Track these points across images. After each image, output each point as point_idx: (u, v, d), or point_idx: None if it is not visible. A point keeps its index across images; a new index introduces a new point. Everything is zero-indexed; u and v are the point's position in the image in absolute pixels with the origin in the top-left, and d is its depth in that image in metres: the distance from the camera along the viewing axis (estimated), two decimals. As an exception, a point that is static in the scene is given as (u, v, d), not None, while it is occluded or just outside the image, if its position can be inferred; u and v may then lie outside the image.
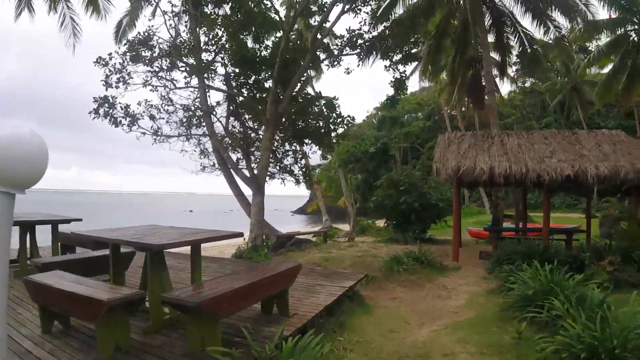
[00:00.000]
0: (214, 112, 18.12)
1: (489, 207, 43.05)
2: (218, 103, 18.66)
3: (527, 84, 55.77)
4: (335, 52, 17.53)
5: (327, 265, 10.96)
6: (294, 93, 18.35)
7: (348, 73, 17.92)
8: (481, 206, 43.74)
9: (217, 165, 18.35)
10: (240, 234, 6.06)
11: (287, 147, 19.16)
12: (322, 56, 18.76)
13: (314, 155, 22.10)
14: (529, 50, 22.36)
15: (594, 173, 10.62)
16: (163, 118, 17.98)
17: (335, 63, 18.35)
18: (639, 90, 23.16)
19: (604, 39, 24.75)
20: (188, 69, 16.81)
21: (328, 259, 11.69)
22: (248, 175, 17.08)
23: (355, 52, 17.13)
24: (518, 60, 24.83)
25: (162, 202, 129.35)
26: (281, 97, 16.81)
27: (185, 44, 16.78)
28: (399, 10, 19.46)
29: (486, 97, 19.86)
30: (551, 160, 11.35)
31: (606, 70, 46.80)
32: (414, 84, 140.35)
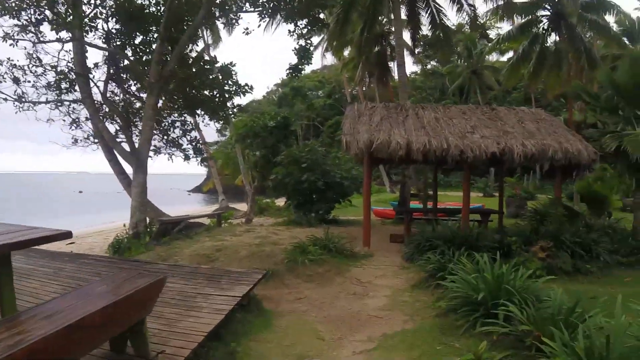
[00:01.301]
0: (91, 75, 15.21)
1: (388, 186, 43.25)
2: (96, 65, 15.68)
3: (429, 67, 56.77)
4: (234, 9, 15.28)
5: (217, 258, 9.11)
6: (185, 56, 15.96)
7: (247, 34, 15.81)
8: (381, 184, 43.76)
9: (93, 139, 15.52)
10: (68, 234, 3.99)
11: (175, 118, 16.68)
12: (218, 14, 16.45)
13: (209, 129, 19.75)
14: (439, 25, 21.56)
15: (521, 151, 9.73)
16: (29, 81, 14.79)
17: (233, 21, 16.17)
18: (545, 75, 23.43)
19: (506, 27, 25.06)
20: (60, 21, 13.70)
21: (220, 248, 9.81)
22: (128, 149, 14.54)
23: (256, 10, 15.03)
24: (427, 37, 24.31)
25: (50, 184, 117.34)
26: (168, 58, 14.38)
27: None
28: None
29: (395, 70, 18.71)
30: (473, 136, 10.32)
31: (506, 57, 49.04)
32: (316, 62, 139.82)
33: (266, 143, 23.19)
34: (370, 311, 6.45)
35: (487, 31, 52.12)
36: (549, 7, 23.39)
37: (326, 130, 56.39)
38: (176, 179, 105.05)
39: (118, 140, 15.08)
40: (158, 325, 4.37)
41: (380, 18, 27.52)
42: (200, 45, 31.43)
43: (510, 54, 46.47)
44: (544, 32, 23.88)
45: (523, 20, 24.30)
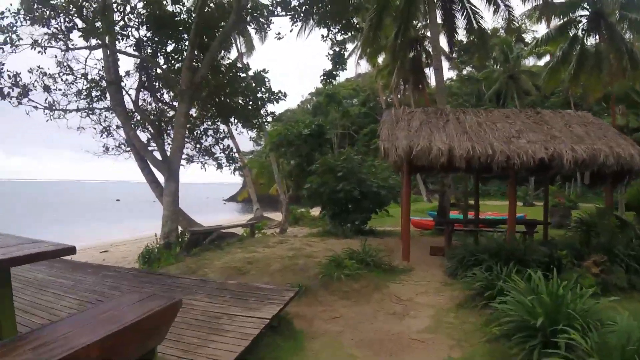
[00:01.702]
0: (123, 83, 15.12)
1: (425, 195, 42.19)
2: (128, 73, 15.64)
3: (465, 72, 55.65)
4: (265, 13, 14.93)
5: (248, 271, 8.64)
6: (217, 63, 15.72)
7: (279, 38, 15.46)
8: (417, 193, 42.75)
9: (126, 147, 15.42)
10: (71, 250, 3.53)
11: (208, 125, 16.40)
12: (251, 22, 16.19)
13: (244, 138, 19.41)
14: (476, 28, 20.71)
15: (571, 157, 8.93)
16: (60, 89, 14.83)
17: (265, 26, 15.84)
18: (586, 78, 22.31)
19: (542, 30, 24.21)
20: (89, 29, 13.64)
21: (252, 260, 9.35)
22: (160, 158, 14.32)
23: (288, 14, 14.65)
24: (463, 42, 23.60)
25: (90, 192, 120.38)
26: (200, 65, 14.14)
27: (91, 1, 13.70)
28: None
29: (431, 76, 17.99)
30: (519, 142, 9.56)
31: (543, 61, 47.56)
32: (350, 70, 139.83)
33: (300, 151, 22.78)
34: (412, 334, 5.83)
35: (523, 35, 50.76)
36: (587, 7, 22.36)
37: (361, 139, 55.83)
38: (212, 187, 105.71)
39: (150, 148, 14.91)
40: (175, 351, 3.89)
41: (414, 22, 27.00)
42: (234, 54, 31.53)
43: (547, 57, 45.62)
44: (583, 32, 22.84)
45: (561, 22, 23.38)
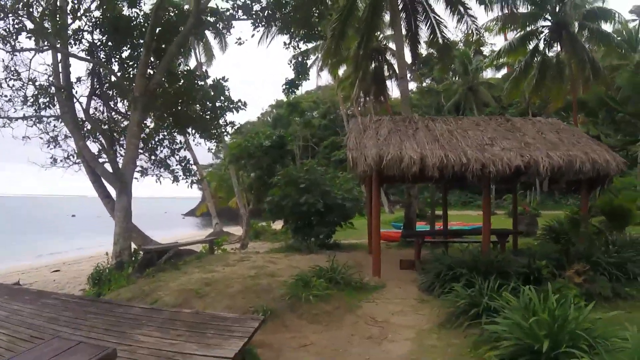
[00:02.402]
0: (74, 90, 14.07)
1: (387, 206, 42.05)
2: (79, 79, 14.52)
3: (424, 84, 56.27)
4: (225, 17, 14.14)
5: (207, 293, 7.86)
6: (174, 70, 14.90)
7: (240, 44, 14.76)
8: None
9: (75, 158, 14.31)
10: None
11: (163, 135, 15.43)
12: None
13: (201, 149, 18.48)
14: (439, 40, 20.58)
15: (547, 164, 8.64)
16: (5, 96, 13.69)
17: (224, 31, 15.13)
18: (547, 87, 22.59)
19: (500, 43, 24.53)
20: (38, 30, 12.56)
21: (210, 281, 8.57)
22: (111, 170, 13.32)
23: (249, 18, 13.95)
24: (428, 51, 23.59)
25: (44, 207, 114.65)
26: (155, 71, 13.29)
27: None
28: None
29: (391, 88, 17.67)
30: (494, 149, 9.21)
31: (501, 73, 48.59)
32: (310, 82, 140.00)
33: (261, 163, 21.98)
34: (394, 362, 5.22)
35: (481, 47, 51.79)
36: (549, 18, 22.72)
37: (322, 151, 55.49)
38: (171, 202, 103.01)
39: (101, 160, 13.88)
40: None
41: (377, 34, 26.88)
42: (193, 63, 30.62)
43: (505, 70, 46.64)
44: (545, 43, 23.19)
45: (522, 32, 23.69)
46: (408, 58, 24.28)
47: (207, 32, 32.52)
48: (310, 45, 21.59)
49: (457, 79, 47.76)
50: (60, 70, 13.77)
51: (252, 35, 14.58)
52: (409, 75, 38.78)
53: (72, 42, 13.94)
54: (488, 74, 49.68)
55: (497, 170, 8.51)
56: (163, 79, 14.41)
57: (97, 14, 13.99)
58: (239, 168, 24.22)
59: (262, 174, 21.79)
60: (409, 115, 11.95)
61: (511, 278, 7.32)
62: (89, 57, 14.00)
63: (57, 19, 12.51)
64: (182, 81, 14.87)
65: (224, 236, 19.28)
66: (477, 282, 6.91)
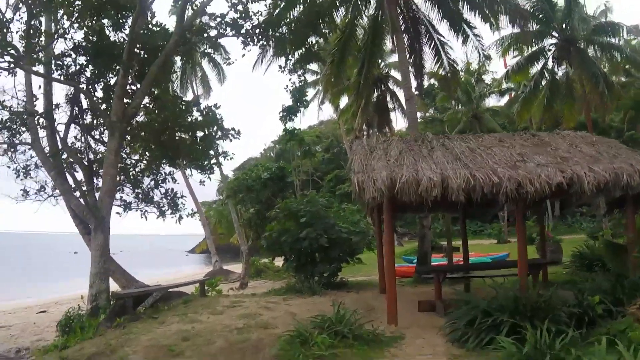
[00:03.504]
0: (52, 119, 12.82)
1: (395, 238, 40.30)
2: (57, 106, 13.26)
3: (428, 114, 55.43)
4: (214, 34, 12.92)
5: (182, 352, 6.35)
6: (159, 94, 13.66)
7: (228, 64, 13.71)
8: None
9: (52, 191, 12.91)
10: None
11: (144, 166, 13.97)
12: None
13: (208, 185, 16.91)
14: (445, 61, 19.43)
15: (592, 179, 7.20)
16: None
17: (211, 50, 14.00)
18: (559, 106, 21.36)
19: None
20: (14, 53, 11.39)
21: (189, 335, 7.00)
22: (90, 204, 11.91)
23: (239, 35, 12.73)
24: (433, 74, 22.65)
25: (47, 243, 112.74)
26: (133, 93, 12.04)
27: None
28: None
29: (398, 114, 16.39)
30: (527, 166, 7.75)
31: (503, 101, 47.90)
32: (312, 117, 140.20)
33: (260, 197, 20.60)
34: None
35: (483, 76, 51.11)
36: (556, 35, 21.71)
37: (326, 185, 54.15)
38: (178, 239, 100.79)
39: (78, 193, 12.48)
40: None
41: (378, 62, 26.00)
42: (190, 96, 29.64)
43: (506, 98, 45.84)
44: (553, 60, 22.14)
45: (529, 52, 22.77)
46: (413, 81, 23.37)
47: (205, 64, 31.93)
48: (308, 67, 20.49)
49: (460, 107, 46.81)
50: (36, 94, 12.63)
51: (243, 55, 13.33)
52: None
53: (52, 66, 12.81)
54: (490, 101, 48.82)
55: (535, 189, 7.04)
56: (149, 104, 13.19)
57: (79, 36, 12.91)
58: (236, 202, 22.80)
59: (261, 208, 20.37)
60: (422, 135, 10.48)
61: (561, 321, 5.81)
62: (66, 80, 12.78)
63: (32, 39, 11.41)
64: (168, 107, 13.61)
65: (219, 276, 17.64)
66: (526, 331, 5.36)
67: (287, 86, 15.45)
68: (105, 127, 13.54)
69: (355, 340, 6.39)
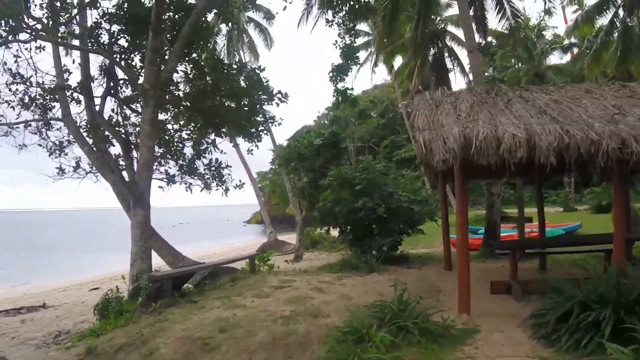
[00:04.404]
0: (90, 92, 12.16)
1: (455, 205, 38.48)
2: (92, 79, 12.55)
3: (487, 74, 52.19)
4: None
5: (218, 346, 5.49)
6: (198, 59, 12.70)
7: (269, 18, 12.45)
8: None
9: (91, 167, 12.30)
10: None
11: (186, 135, 13.10)
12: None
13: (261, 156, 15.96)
14: (508, 11, 17.50)
15: None
16: (7, 101, 11.99)
17: (249, 7, 12.85)
18: (635, 59, 18.74)
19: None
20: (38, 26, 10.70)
21: (228, 325, 6.07)
22: (128, 178, 11.23)
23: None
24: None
25: (100, 221, 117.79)
26: (166, 57, 11.07)
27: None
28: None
29: (468, 55, 14.60)
30: (628, 120, 6.14)
31: (566, 58, 44.48)
32: (365, 81, 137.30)
33: (313, 165, 19.49)
34: None
35: (543, 32, 47.39)
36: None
37: (382, 151, 52.48)
38: (238, 210, 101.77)
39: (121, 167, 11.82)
40: None
41: (434, 17, 24.25)
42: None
43: (569, 56, 42.19)
44: (624, 9, 19.40)
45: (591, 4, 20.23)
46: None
47: (251, 30, 30.84)
48: (359, 28, 19.03)
49: (520, 65, 43.58)
50: (70, 69, 11.99)
51: (284, 8, 12.07)
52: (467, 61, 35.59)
53: (86, 36, 12.07)
54: (552, 59, 45.38)
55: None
56: (189, 71, 12.25)
57: (108, 4, 12.10)
58: (289, 171, 21.83)
59: (314, 177, 19.31)
60: (496, 86, 8.85)
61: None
62: (99, 50, 11.98)
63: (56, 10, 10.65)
64: (209, 74, 12.63)
65: (271, 249, 16.81)
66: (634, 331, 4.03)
67: (336, 42, 14.21)
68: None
69: (422, 336, 5.19)
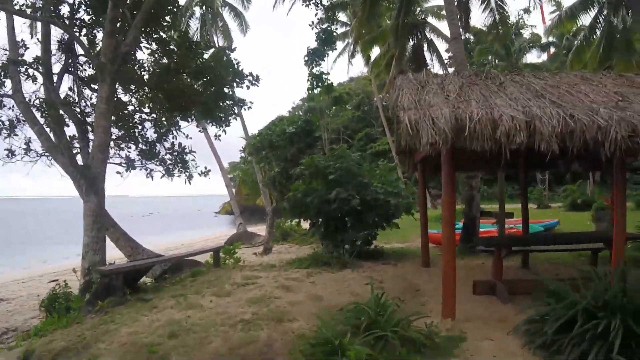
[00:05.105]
0: (49, 67, 11.01)
1: (429, 200, 38.14)
2: (50, 52, 11.37)
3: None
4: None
5: (166, 355, 4.64)
6: (166, 37, 11.74)
7: (246, 1, 11.59)
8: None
9: (42, 150, 11.17)
10: None
11: (146, 115, 12.05)
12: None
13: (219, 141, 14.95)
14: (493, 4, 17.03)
15: None
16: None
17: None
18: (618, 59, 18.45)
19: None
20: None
21: (179, 331, 5.25)
22: (81, 161, 10.22)
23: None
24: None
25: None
26: (126, 27, 10.07)
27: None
28: None
29: (450, 42, 14.01)
30: (635, 107, 5.53)
31: (542, 58, 44.72)
32: (341, 74, 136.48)
33: (285, 154, 18.68)
34: None
35: (521, 30, 47.61)
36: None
37: (357, 144, 51.94)
38: (212, 200, 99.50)
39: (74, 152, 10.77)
40: None
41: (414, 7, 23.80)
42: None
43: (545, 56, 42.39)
44: (609, 6, 19.15)
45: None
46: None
47: (226, 14, 29.71)
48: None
49: (497, 62, 43.59)
50: (28, 44, 10.87)
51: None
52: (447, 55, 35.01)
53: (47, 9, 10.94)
54: (529, 58, 45.83)
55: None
56: (151, 47, 11.29)
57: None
58: (260, 160, 20.92)
59: (286, 166, 18.50)
60: (485, 69, 8.16)
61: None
62: (55, 21, 10.85)
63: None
64: (174, 52, 11.66)
65: (238, 242, 15.93)
66: None
67: (312, 23, 13.42)
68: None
69: (403, 346, 4.47)
